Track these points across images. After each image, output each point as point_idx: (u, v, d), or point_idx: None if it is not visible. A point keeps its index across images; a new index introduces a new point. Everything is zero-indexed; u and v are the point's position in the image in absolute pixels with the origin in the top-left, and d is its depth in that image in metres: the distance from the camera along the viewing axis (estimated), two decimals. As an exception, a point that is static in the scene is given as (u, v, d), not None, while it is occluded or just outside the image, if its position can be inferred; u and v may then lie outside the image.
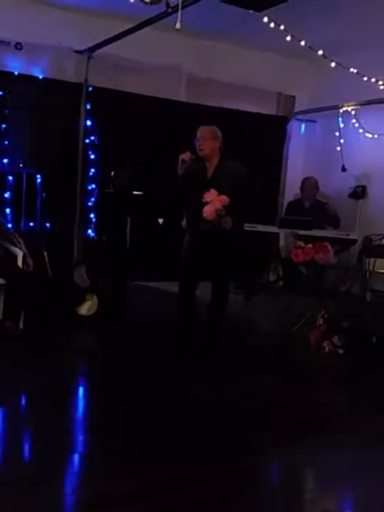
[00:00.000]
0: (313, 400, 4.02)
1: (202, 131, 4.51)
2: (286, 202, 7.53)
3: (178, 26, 4.22)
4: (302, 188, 7.12)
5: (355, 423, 3.64)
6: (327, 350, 4.91)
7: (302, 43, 5.33)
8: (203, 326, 4.70)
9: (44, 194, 6.02)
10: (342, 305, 5.43)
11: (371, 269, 5.94)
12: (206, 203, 4.24)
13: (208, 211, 4.23)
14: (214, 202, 4.20)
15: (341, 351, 4.89)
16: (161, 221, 4.93)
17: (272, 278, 6.99)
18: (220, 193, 4.24)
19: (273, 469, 3.16)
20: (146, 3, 4.27)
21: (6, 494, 2.51)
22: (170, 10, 4.56)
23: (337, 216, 6.74)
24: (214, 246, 4.44)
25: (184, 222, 4.69)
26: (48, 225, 6.16)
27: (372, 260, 5.93)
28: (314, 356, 4.90)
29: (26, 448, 3.12)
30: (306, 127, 7.67)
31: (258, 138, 7.04)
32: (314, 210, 6.84)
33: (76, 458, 2.96)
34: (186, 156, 4.39)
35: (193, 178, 4.40)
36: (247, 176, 4.49)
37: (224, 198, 4.21)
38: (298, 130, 7.68)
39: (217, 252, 4.48)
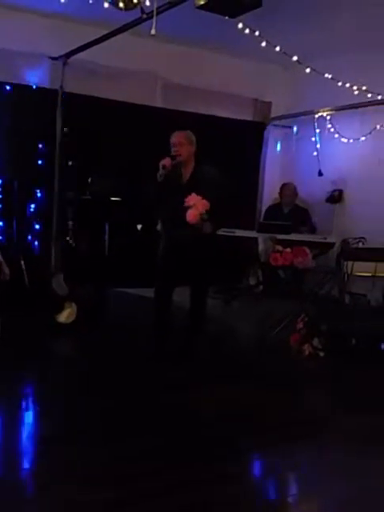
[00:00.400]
0: (295, 403, 4.02)
1: (178, 137, 4.49)
2: (263, 207, 7.58)
3: (153, 31, 4.23)
4: (280, 193, 7.18)
5: (339, 424, 3.64)
6: (307, 352, 4.92)
7: (277, 49, 5.37)
8: (182, 331, 4.68)
9: (20, 202, 5.96)
10: (322, 308, 5.46)
11: (349, 272, 5.99)
12: (188, 207, 4.23)
13: (192, 215, 4.22)
14: (196, 205, 4.19)
15: (321, 354, 4.91)
16: (139, 227, 4.90)
17: (252, 282, 7.03)
18: (189, 193, 4.24)
19: (257, 473, 3.15)
20: (120, 9, 4.27)
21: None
22: (144, 16, 4.56)
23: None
24: (192, 251, 4.43)
25: (159, 227, 4.67)
26: (25, 233, 6.10)
27: (350, 263, 5.99)
28: (294, 359, 4.91)
29: (2, 459, 3.06)
30: (283, 133, 7.73)
31: (235, 144, 7.08)
32: (292, 215, 6.89)
33: (59, 467, 2.91)
34: (166, 162, 4.36)
35: (169, 183, 4.38)
36: (222, 180, 4.49)
37: (205, 202, 4.21)
38: (275, 136, 7.73)
39: (195, 256, 4.47)
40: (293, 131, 7.49)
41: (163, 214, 4.59)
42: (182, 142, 4.45)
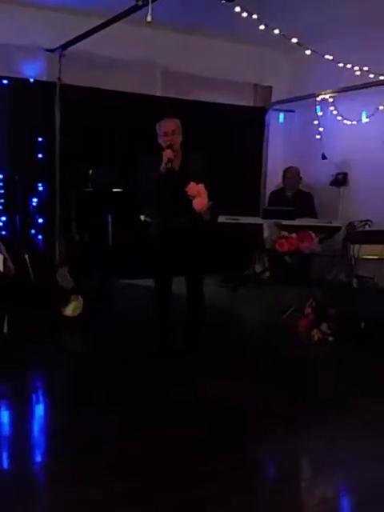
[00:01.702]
0: (306, 388, 4.01)
1: (170, 125, 4.34)
2: (267, 193, 7.52)
3: (149, 18, 4.18)
4: (284, 178, 7.13)
5: (350, 408, 3.62)
6: (316, 338, 4.89)
7: (276, 31, 5.28)
8: (185, 323, 4.61)
9: (22, 196, 5.94)
10: (329, 292, 5.42)
11: (356, 255, 5.94)
12: (191, 197, 4.16)
13: (200, 204, 4.15)
14: (200, 193, 4.15)
15: (330, 338, 4.88)
16: (143, 217, 4.84)
17: (258, 269, 6.98)
18: (184, 184, 4.15)
19: (269, 459, 3.12)
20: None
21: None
22: (140, 3, 4.51)
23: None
24: (189, 239, 4.35)
25: (146, 217, 4.56)
26: (28, 227, 6.08)
27: (356, 246, 5.94)
28: (303, 345, 4.88)
29: (12, 454, 3.06)
30: (284, 117, 7.66)
31: (237, 130, 7.02)
32: (296, 199, 6.84)
33: (67, 461, 2.90)
34: (170, 154, 4.23)
35: (159, 172, 4.27)
36: (211, 166, 4.37)
37: (204, 188, 4.15)
38: (277, 120, 7.66)
39: (192, 245, 4.38)
40: (295, 115, 7.41)
41: (154, 204, 4.47)
42: (174, 131, 4.32)
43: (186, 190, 4.16)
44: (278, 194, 7.16)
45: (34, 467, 2.87)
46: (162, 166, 4.23)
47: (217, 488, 2.63)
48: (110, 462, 2.85)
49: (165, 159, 4.22)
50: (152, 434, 3.17)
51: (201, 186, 4.15)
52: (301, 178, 7.04)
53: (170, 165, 4.21)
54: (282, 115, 7.66)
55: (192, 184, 4.16)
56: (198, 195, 4.15)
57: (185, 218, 4.24)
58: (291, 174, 7.02)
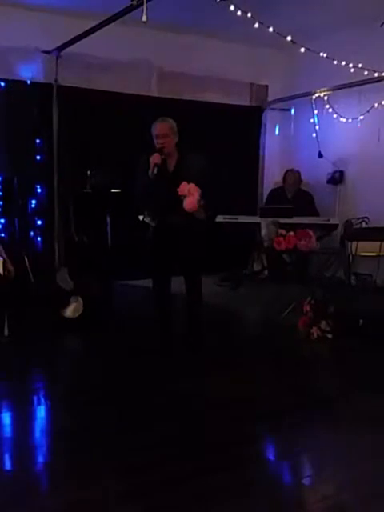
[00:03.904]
0: (306, 386, 4.02)
1: (162, 128, 4.28)
2: (265, 192, 7.55)
3: (144, 18, 4.19)
4: (284, 180, 7.14)
5: (350, 405, 3.63)
6: (316, 335, 4.91)
7: (271, 29, 5.30)
8: (185, 323, 4.62)
9: (21, 198, 5.95)
10: (328, 290, 5.44)
11: (354, 252, 5.97)
12: (180, 197, 4.15)
13: (190, 203, 4.13)
14: (191, 192, 4.12)
15: (329, 336, 4.90)
16: (141, 217, 4.85)
17: (257, 267, 7.01)
18: (179, 184, 4.15)
19: (271, 456, 3.15)
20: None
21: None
22: (135, 3, 4.52)
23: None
24: (184, 238, 4.36)
25: (145, 218, 4.57)
26: (27, 229, 6.09)
27: (354, 244, 5.96)
28: (303, 343, 4.90)
29: (14, 455, 3.08)
30: (281, 116, 7.67)
31: (234, 129, 7.04)
32: (297, 199, 6.85)
33: (67, 460, 2.92)
34: (157, 159, 4.19)
35: (156, 174, 4.25)
36: (207, 166, 4.36)
37: (197, 187, 4.13)
38: (273, 119, 7.68)
39: (187, 244, 4.39)
40: (291, 114, 7.44)
41: (150, 206, 4.45)
42: (166, 134, 4.27)
43: (178, 190, 4.16)
44: (277, 193, 7.17)
45: (33, 467, 2.87)
46: (150, 171, 4.20)
47: (216, 484, 2.65)
48: (110, 462, 2.86)
49: (151, 164, 4.19)
50: (151, 432, 3.19)
51: (192, 186, 4.12)
52: (301, 180, 7.06)
53: (156, 170, 4.17)
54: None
55: (183, 183, 4.15)
56: (189, 194, 4.13)
57: (178, 217, 4.24)
58: (292, 177, 7.04)
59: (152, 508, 2.49)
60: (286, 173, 7.13)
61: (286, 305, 5.46)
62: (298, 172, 7.06)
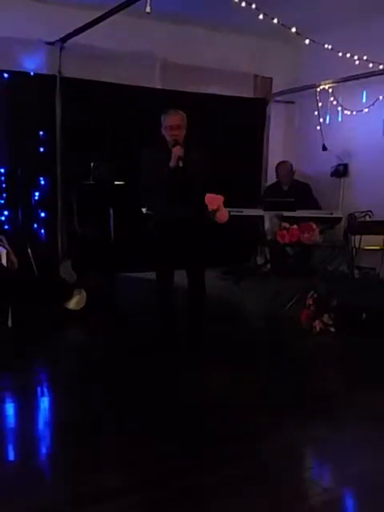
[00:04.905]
0: (309, 379, 4.03)
1: (176, 119, 4.27)
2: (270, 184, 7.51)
3: (148, 9, 4.18)
4: (277, 173, 7.08)
5: (352, 399, 3.64)
6: (318, 329, 4.91)
7: (275, 21, 5.26)
8: (187, 317, 4.61)
9: (24, 191, 5.95)
10: (331, 283, 5.44)
11: (357, 246, 5.95)
12: (213, 213, 4.30)
13: (224, 216, 4.37)
14: (220, 205, 4.27)
15: (332, 329, 4.90)
16: (144, 210, 4.85)
17: (260, 261, 7.00)
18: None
19: (273, 450, 3.15)
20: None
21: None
22: (139, -6, 4.50)
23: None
24: (190, 230, 4.36)
25: (148, 210, 4.57)
26: (30, 221, 6.09)
27: (357, 237, 5.95)
28: (306, 336, 4.90)
29: (16, 446, 3.09)
30: (285, 108, 7.63)
31: (238, 122, 7.00)
32: (293, 191, 6.81)
33: (70, 453, 2.93)
34: (181, 152, 4.17)
35: (163, 166, 4.25)
36: (209, 162, 4.34)
37: (221, 196, 4.28)
38: (277, 112, 7.64)
39: (192, 236, 4.39)
40: (295, 106, 7.39)
41: (159, 198, 4.45)
42: (180, 125, 4.27)
43: (207, 203, 4.24)
44: (273, 188, 7.11)
45: (36, 460, 2.89)
46: (172, 162, 4.18)
47: (218, 478, 2.66)
48: (111, 454, 2.87)
49: (175, 157, 4.17)
50: (153, 425, 3.20)
51: (220, 198, 4.25)
52: (294, 171, 7.00)
53: (181, 163, 4.17)
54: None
55: (208, 196, 4.20)
56: (220, 209, 4.29)
57: (190, 212, 4.24)
58: (284, 169, 6.97)
59: (152, 502, 2.50)
60: (277, 166, 7.06)
61: (289, 298, 5.46)
62: (290, 164, 7.00)
